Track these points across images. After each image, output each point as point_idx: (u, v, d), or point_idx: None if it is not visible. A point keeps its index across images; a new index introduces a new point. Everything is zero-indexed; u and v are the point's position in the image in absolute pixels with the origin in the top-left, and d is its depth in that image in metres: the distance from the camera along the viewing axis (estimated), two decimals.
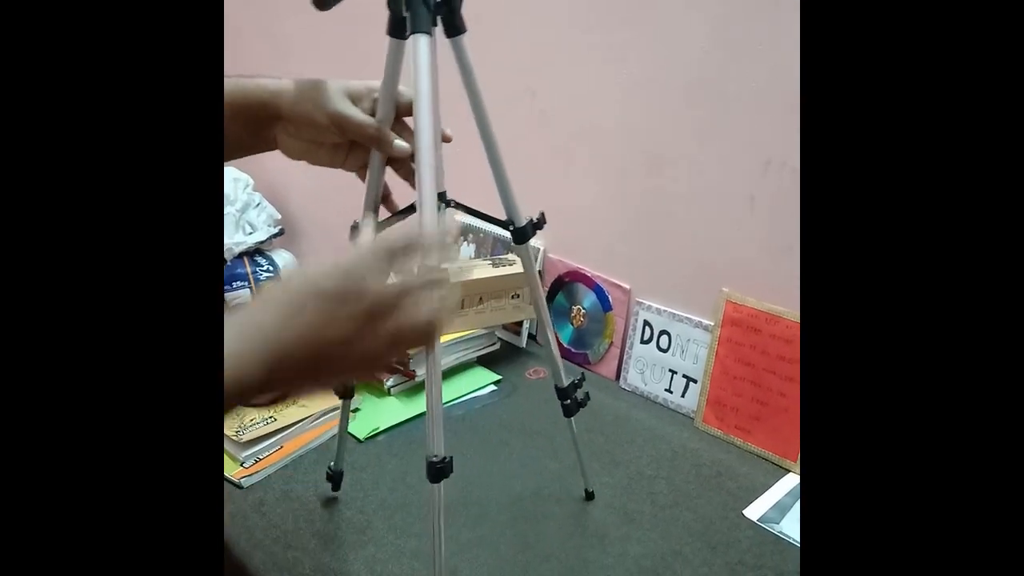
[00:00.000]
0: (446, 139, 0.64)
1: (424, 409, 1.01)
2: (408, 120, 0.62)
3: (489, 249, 1.24)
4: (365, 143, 0.62)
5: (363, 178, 0.65)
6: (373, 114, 0.62)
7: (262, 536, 0.79)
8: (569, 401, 0.77)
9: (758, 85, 0.91)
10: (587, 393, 0.79)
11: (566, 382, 0.77)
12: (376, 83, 0.62)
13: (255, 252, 1.73)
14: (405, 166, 0.64)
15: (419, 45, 0.57)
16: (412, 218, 0.59)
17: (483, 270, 1.09)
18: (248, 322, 0.45)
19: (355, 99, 0.61)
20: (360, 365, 0.48)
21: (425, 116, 0.57)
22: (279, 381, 0.46)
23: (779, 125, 0.90)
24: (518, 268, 1.11)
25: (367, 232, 0.55)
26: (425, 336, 0.50)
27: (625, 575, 0.75)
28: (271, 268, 1.74)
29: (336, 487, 0.86)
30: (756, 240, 0.96)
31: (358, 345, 0.46)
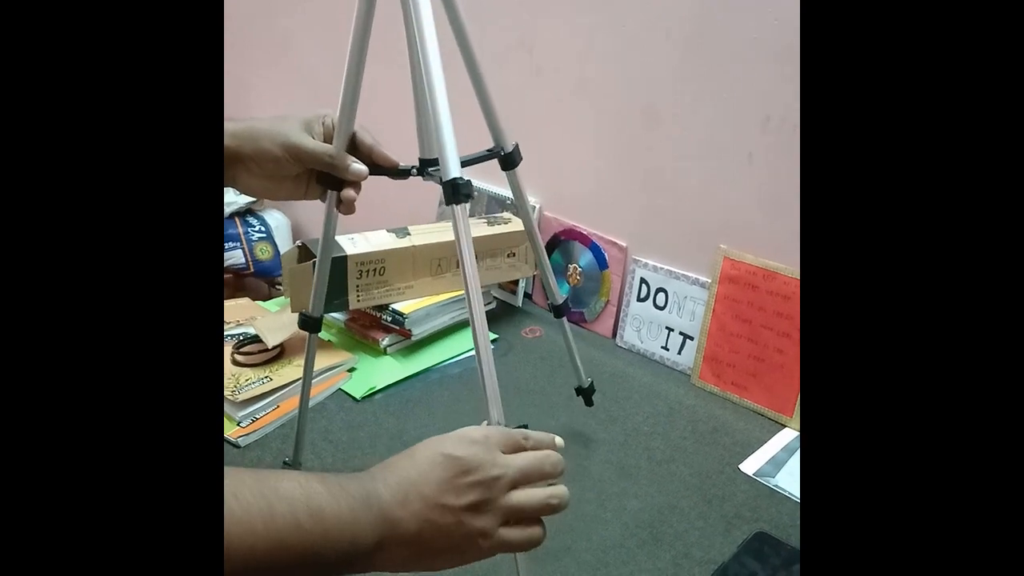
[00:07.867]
0: (391, 164, 0.67)
1: (420, 368, 1.02)
2: (365, 144, 0.66)
3: (484, 207, 1.23)
4: (322, 168, 0.65)
5: (324, 200, 0.68)
6: (327, 139, 0.65)
7: None
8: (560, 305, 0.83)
9: (758, 37, 0.89)
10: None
11: (559, 302, 0.83)
12: (325, 110, 0.66)
13: (246, 212, 1.71)
14: (348, 204, 0.67)
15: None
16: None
17: (478, 228, 1.07)
18: (371, 488, 0.48)
19: (308, 128, 0.65)
20: (470, 538, 0.48)
21: (436, 73, 0.57)
22: (392, 549, 0.47)
23: (779, 80, 0.88)
24: (513, 226, 1.10)
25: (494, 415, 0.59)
26: (534, 529, 0.50)
27: (622, 529, 0.76)
28: (263, 228, 1.72)
29: None
30: (754, 197, 0.95)
31: (473, 517, 0.48)
